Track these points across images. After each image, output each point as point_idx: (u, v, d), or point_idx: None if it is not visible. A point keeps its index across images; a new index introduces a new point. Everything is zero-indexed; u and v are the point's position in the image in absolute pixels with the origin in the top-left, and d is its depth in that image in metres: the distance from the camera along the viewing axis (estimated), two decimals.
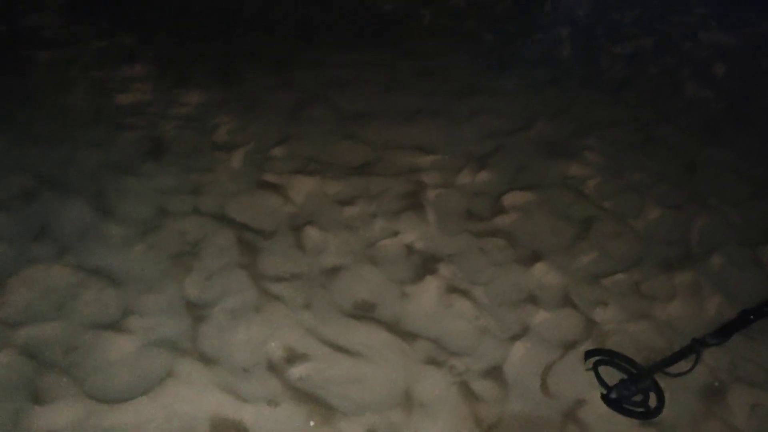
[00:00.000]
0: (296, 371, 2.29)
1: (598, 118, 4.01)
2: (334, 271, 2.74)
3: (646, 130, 3.92)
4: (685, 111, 4.18)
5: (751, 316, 1.86)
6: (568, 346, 2.49)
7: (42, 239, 2.69)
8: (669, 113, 4.12)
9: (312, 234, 2.90)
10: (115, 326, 2.34)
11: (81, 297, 2.44)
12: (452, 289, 2.68)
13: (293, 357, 2.34)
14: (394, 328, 2.50)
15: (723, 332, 1.95)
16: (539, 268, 2.82)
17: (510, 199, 3.25)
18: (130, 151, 3.31)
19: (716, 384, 2.40)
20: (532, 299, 2.68)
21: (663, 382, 2.33)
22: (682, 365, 2.14)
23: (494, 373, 2.36)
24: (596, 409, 2.27)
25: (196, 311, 2.44)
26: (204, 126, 3.59)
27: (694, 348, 2.06)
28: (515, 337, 2.50)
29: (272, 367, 2.29)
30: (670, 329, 2.61)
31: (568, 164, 3.53)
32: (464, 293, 2.67)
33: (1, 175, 3.03)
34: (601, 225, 3.12)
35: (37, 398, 2.09)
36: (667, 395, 2.31)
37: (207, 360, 2.26)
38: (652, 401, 2.31)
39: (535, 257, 2.88)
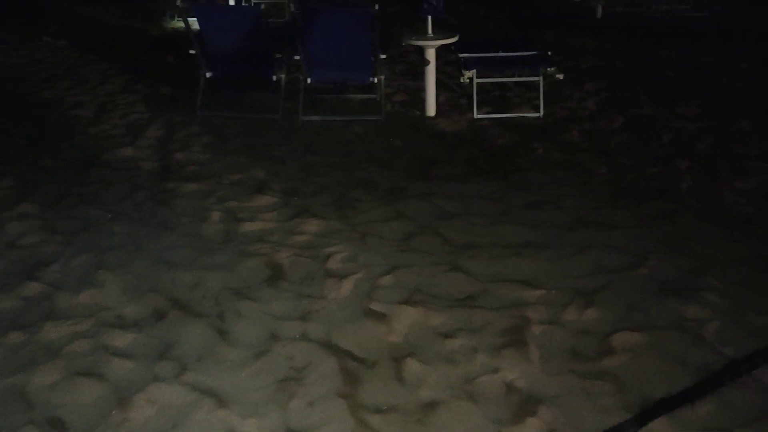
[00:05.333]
0: None
1: (718, 256, 3.83)
2: (431, 405, 2.74)
3: None
4: None
5: None
6: None
7: (166, 358, 2.95)
8: None
9: (412, 366, 2.95)
10: None
11: (192, 416, 2.61)
12: None
13: None
14: None
15: None
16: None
17: (619, 339, 3.12)
18: (251, 277, 3.60)
19: None
20: None
21: None
22: None
23: None
24: None
25: None
26: (319, 254, 3.84)
27: None
28: None
29: None
30: None
31: (684, 305, 3.37)
32: None
33: (138, 295, 3.40)
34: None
35: None
36: None
37: None
38: None
39: (645, 405, 2.72)
